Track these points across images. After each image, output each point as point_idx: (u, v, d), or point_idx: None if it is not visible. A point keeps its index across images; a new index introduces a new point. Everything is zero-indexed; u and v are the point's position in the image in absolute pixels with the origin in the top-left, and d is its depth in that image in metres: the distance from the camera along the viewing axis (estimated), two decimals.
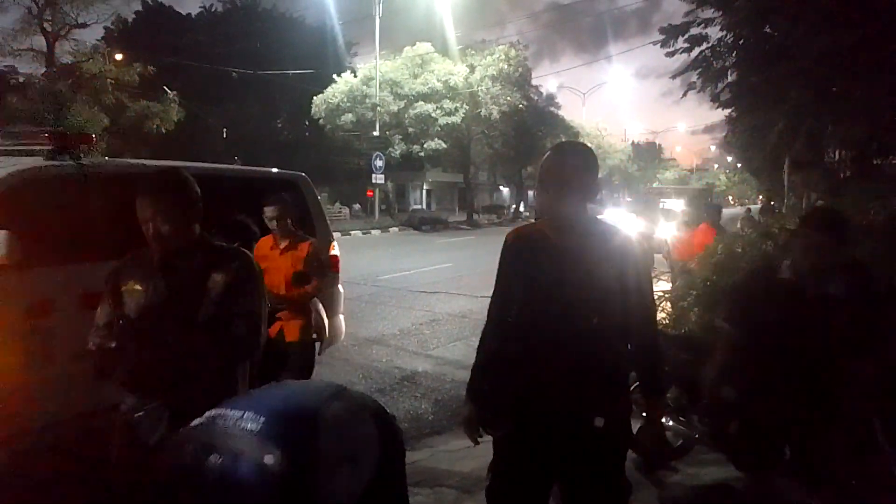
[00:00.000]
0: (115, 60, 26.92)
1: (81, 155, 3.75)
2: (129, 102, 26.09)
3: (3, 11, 32.37)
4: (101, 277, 2.40)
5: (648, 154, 79.68)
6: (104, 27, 33.70)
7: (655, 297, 2.81)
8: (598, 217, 2.22)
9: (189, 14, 42.00)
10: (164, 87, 26.99)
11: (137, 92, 26.37)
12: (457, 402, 5.40)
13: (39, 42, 27.66)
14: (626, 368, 2.27)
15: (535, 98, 43.73)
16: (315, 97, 33.38)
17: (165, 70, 27.88)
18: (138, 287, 2.28)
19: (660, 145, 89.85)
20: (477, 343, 2.44)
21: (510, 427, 2.25)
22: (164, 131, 26.88)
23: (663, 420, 3.90)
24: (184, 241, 2.29)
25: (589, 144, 3.34)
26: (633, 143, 71.99)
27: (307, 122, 38.07)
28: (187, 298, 2.26)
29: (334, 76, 33.43)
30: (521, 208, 47.82)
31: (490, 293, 2.40)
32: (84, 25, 28.68)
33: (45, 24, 27.46)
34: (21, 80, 26.15)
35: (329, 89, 33.23)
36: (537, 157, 44.07)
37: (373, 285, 11.92)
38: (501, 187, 57.76)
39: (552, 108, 48.01)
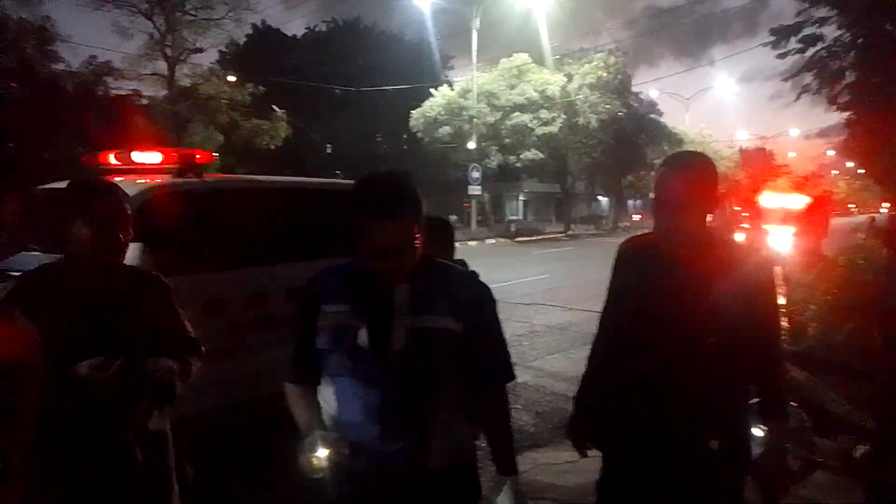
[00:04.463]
0: (229, 82, 28.53)
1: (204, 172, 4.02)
2: (242, 121, 27.54)
3: (129, 38, 35.12)
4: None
5: (758, 160, 75.83)
6: (218, 50, 35.89)
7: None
8: (717, 229, 2.11)
9: (295, 35, 43.99)
10: (273, 106, 28.34)
11: (248, 111, 27.81)
12: (558, 415, 5.34)
13: (161, 66, 29.78)
14: (745, 389, 2.13)
15: (636, 105, 42.66)
16: (413, 111, 34.01)
17: (274, 89, 29.25)
18: None
19: (771, 151, 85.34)
20: (577, 356, 2.41)
21: (620, 443, 2.20)
22: (271, 147, 28.19)
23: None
24: None
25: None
26: (740, 149, 68.70)
27: (405, 136, 38.85)
28: None
29: (431, 90, 33.97)
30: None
31: (588, 306, 2.37)
32: (201, 50, 30.65)
33: (167, 50, 29.54)
34: (145, 102, 28.24)
35: (427, 102, 33.77)
36: (638, 165, 43.03)
37: None
38: (600, 197, 56.63)
39: (653, 115, 46.69)
